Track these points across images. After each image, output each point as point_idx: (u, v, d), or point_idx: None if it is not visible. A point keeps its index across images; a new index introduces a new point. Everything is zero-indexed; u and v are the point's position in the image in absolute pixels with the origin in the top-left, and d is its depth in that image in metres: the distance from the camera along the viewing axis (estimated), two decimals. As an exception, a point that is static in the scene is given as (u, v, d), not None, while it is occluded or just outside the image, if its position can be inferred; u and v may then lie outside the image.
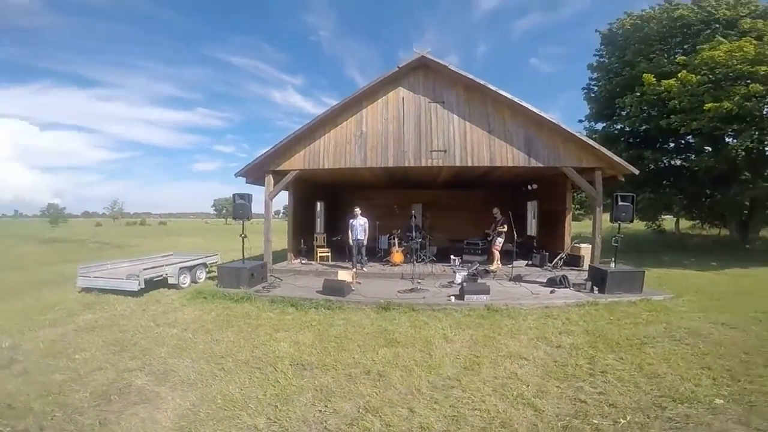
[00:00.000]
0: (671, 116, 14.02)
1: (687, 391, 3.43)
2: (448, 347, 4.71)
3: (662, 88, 14.15)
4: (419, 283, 8.17)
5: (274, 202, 10.64)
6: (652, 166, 17.02)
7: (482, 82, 9.30)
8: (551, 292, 7.36)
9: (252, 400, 3.39)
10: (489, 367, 4.10)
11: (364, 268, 10.05)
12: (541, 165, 9.09)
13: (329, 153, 10.04)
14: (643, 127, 16.85)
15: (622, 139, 18.27)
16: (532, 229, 13.33)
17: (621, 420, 3.03)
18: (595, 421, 3.02)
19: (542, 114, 9.06)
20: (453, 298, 6.89)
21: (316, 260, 11.69)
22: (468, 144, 9.44)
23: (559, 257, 9.58)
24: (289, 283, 8.87)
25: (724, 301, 6.93)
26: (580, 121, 21.28)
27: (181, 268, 8.90)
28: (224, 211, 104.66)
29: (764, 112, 13.38)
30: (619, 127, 18.30)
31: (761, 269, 11.03)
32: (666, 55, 17.14)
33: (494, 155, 9.27)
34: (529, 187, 12.39)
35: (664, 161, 17.36)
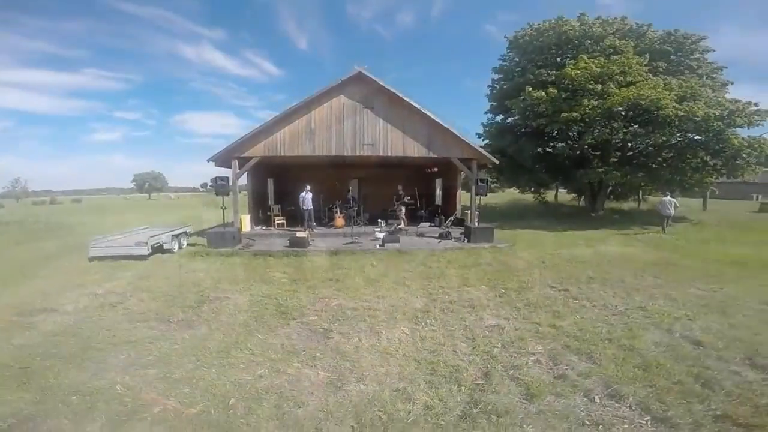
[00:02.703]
0: (539, 119, 18.84)
1: (476, 284, 7.50)
2: (373, 269, 8.48)
3: (534, 97, 18.69)
4: (356, 238, 11.87)
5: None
6: (533, 151, 22.05)
7: (401, 94, 12.86)
8: (439, 242, 11.53)
9: (276, 298, 6.72)
10: (393, 275, 7.94)
11: (314, 230, 13.49)
12: (436, 156, 13.09)
13: (285, 144, 13.04)
14: (527, 123, 21.61)
15: (515, 129, 22.95)
16: (438, 199, 17.62)
17: (445, 294, 7.02)
18: (432, 290, 6.97)
19: (438, 120, 12.94)
20: (378, 245, 10.72)
21: (274, 227, 14.82)
22: (389, 140, 13.07)
23: (448, 219, 13.85)
24: (260, 242, 12.05)
25: (538, 248, 11.33)
26: (486, 112, 25.69)
27: (173, 236, 11.53)
28: (146, 186, 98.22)
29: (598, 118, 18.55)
30: (510, 120, 23.09)
31: (590, 231, 15.82)
32: (549, 65, 21.22)
33: (407, 148, 13.03)
34: (431, 170, 16.52)
35: (539, 150, 22.30)
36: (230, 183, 12.83)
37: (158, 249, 10.70)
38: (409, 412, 3.23)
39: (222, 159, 13.20)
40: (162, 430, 3.08)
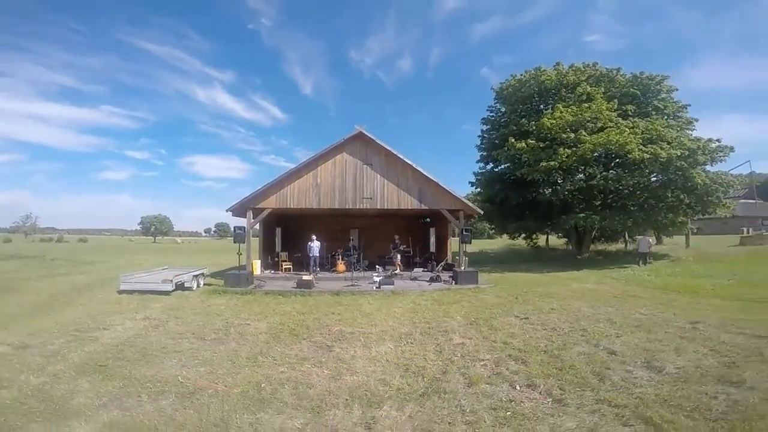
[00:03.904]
0: (522, 168, 20.79)
1: (454, 315, 8.93)
2: (369, 306, 9.91)
3: (517, 148, 20.63)
4: (356, 282, 13.34)
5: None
6: (521, 199, 23.71)
7: (395, 152, 14.91)
8: (429, 284, 12.99)
9: (289, 325, 8.21)
10: (385, 310, 9.36)
11: (318, 275, 14.99)
12: (426, 208, 14.89)
13: (294, 197, 14.93)
14: (513, 172, 23.51)
15: (504, 178, 24.67)
16: (432, 247, 19.18)
17: (426, 323, 8.43)
18: (416, 320, 8.38)
19: (429, 175, 14.88)
20: (374, 287, 12.18)
21: (282, 270, 16.34)
22: (386, 194, 14.94)
23: (439, 265, 15.36)
24: (270, 284, 13.53)
25: (517, 288, 12.80)
26: (477, 161, 27.62)
27: (193, 276, 13.06)
28: (153, 229, 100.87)
29: (575, 165, 20.18)
30: (498, 169, 25.12)
31: (572, 272, 17.31)
32: (531, 115, 23.00)
33: (401, 201, 14.88)
34: (425, 220, 18.34)
35: (527, 197, 24.06)
36: (247, 229, 14.60)
37: (180, 286, 12.16)
38: (386, 391, 4.66)
39: (238, 209, 15.05)
40: (216, 401, 4.51)
